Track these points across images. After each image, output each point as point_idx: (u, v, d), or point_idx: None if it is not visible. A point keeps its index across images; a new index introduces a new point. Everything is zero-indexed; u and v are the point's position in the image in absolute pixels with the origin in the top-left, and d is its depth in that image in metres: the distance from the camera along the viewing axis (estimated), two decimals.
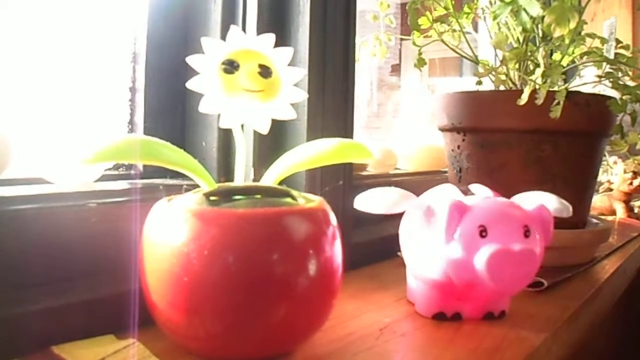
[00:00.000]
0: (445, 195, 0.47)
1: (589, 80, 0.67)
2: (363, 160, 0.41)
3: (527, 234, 0.41)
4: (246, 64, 0.37)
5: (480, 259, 0.39)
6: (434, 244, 0.42)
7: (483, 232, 0.40)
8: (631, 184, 1.07)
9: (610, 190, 1.12)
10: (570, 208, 0.47)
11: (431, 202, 0.45)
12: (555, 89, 0.58)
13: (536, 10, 0.57)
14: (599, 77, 0.66)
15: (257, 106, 0.38)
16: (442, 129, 0.70)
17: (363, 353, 0.39)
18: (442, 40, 0.72)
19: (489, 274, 0.39)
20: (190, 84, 0.36)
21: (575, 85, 0.67)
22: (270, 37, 0.38)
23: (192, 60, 0.36)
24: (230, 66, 0.37)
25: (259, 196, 0.37)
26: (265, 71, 0.37)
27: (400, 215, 0.49)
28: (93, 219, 0.42)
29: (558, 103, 0.56)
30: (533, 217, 0.42)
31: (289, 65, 0.39)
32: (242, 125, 0.38)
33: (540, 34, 0.63)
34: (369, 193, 0.48)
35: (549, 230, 0.43)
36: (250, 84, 0.37)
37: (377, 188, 0.49)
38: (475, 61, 0.70)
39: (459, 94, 0.66)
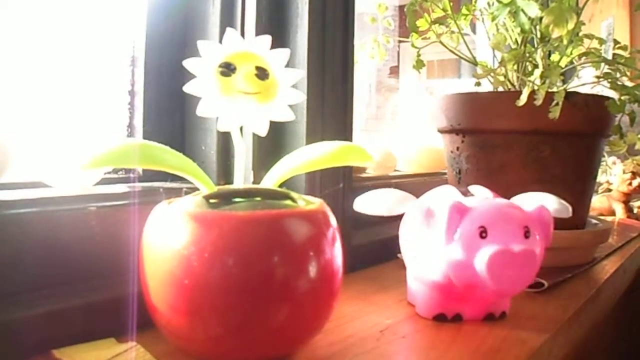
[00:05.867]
0: (444, 196, 0.47)
1: (587, 81, 0.67)
2: (363, 163, 0.41)
3: (527, 234, 0.41)
4: (243, 66, 0.37)
5: (481, 260, 0.39)
6: (434, 245, 0.42)
7: (483, 233, 0.40)
8: (630, 184, 1.07)
9: (610, 190, 1.12)
10: (570, 208, 0.47)
11: (431, 203, 0.45)
12: (554, 89, 0.59)
13: (534, 11, 0.57)
14: (598, 77, 0.66)
15: (255, 108, 0.38)
16: (441, 131, 0.70)
17: (364, 355, 0.39)
18: (441, 42, 0.72)
19: (489, 275, 0.39)
20: (188, 88, 0.36)
21: (573, 86, 0.67)
22: (267, 39, 0.38)
23: (188, 63, 0.36)
24: (227, 69, 0.37)
25: (258, 199, 0.37)
26: (262, 73, 0.37)
27: (399, 217, 0.49)
28: (92, 222, 0.42)
29: (557, 104, 0.56)
30: (533, 218, 0.42)
31: (287, 67, 0.39)
32: (240, 128, 0.38)
33: (539, 35, 0.63)
34: (368, 195, 0.48)
35: (549, 231, 0.43)
36: (247, 86, 0.37)
37: (376, 190, 0.49)
38: (474, 62, 0.70)
39: (457, 95, 0.67)
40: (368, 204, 0.48)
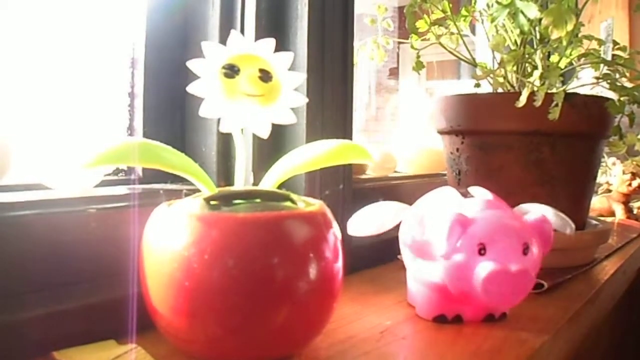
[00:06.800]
0: (445, 201, 0.47)
1: (586, 82, 0.68)
2: (362, 161, 0.41)
3: (525, 251, 0.41)
4: (247, 68, 0.37)
5: (477, 277, 0.40)
6: (432, 251, 0.42)
7: (482, 250, 0.40)
8: (630, 185, 1.07)
9: (609, 191, 1.12)
10: (573, 227, 0.47)
11: (431, 209, 0.45)
12: (554, 90, 0.59)
13: (534, 12, 0.57)
14: (597, 78, 0.66)
15: (257, 110, 0.38)
16: (441, 132, 0.70)
17: (364, 356, 0.39)
18: (440, 43, 0.72)
19: (484, 292, 0.40)
20: (191, 88, 0.36)
21: (573, 87, 0.67)
22: (271, 42, 0.38)
23: (192, 64, 0.36)
24: (231, 70, 0.37)
25: (259, 200, 0.37)
26: (265, 76, 0.38)
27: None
28: (93, 224, 0.42)
29: (556, 105, 0.56)
30: (533, 230, 0.42)
31: (288, 69, 0.39)
32: (242, 130, 0.38)
33: (538, 36, 0.63)
34: (359, 216, 0.49)
35: (548, 244, 0.43)
36: (250, 89, 0.37)
37: (366, 208, 0.49)
38: (473, 64, 0.70)
39: (457, 96, 0.67)
40: (360, 226, 0.49)
